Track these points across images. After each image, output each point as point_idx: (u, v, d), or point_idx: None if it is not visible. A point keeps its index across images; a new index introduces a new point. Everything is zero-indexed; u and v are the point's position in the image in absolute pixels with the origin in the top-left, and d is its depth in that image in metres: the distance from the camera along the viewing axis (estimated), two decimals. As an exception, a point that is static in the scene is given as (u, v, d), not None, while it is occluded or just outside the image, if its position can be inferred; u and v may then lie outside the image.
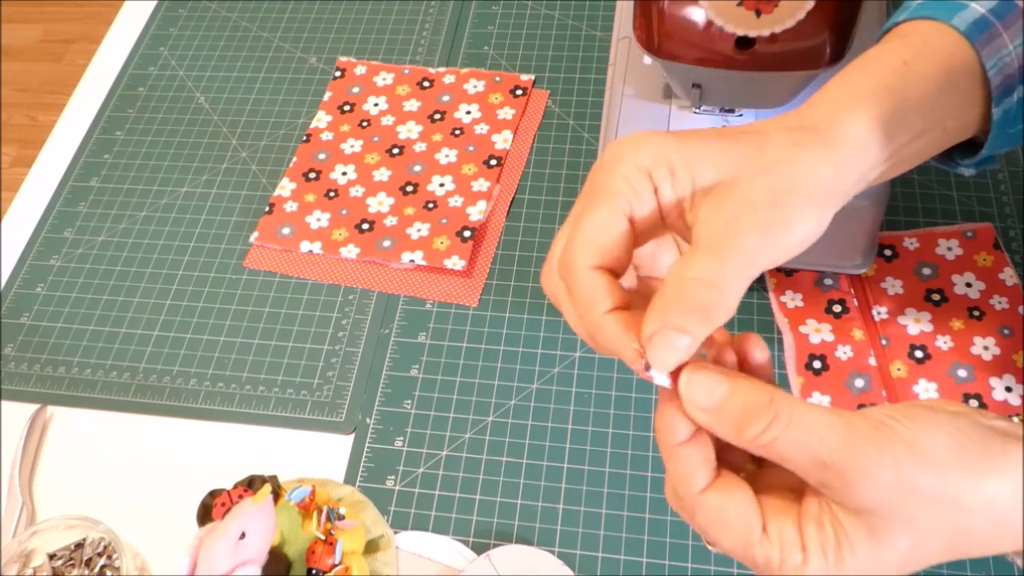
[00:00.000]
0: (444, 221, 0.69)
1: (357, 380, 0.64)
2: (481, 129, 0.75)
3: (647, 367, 0.33)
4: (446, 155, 0.73)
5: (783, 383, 0.60)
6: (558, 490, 0.58)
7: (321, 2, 0.87)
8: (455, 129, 0.75)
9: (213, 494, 0.54)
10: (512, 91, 0.77)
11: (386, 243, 0.69)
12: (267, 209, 0.72)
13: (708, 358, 0.35)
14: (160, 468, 0.62)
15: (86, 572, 0.55)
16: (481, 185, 0.71)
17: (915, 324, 0.60)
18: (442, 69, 0.79)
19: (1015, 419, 0.55)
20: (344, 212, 0.71)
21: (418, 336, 0.65)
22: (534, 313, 0.65)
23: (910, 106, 0.38)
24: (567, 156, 0.73)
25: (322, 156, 0.75)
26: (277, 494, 0.53)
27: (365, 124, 0.77)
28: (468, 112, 0.76)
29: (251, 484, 0.54)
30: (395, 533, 0.57)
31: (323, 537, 0.51)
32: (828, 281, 0.62)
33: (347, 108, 0.78)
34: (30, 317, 0.69)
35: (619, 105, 0.63)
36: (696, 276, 0.32)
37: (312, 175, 0.74)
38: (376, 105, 0.78)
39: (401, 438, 0.61)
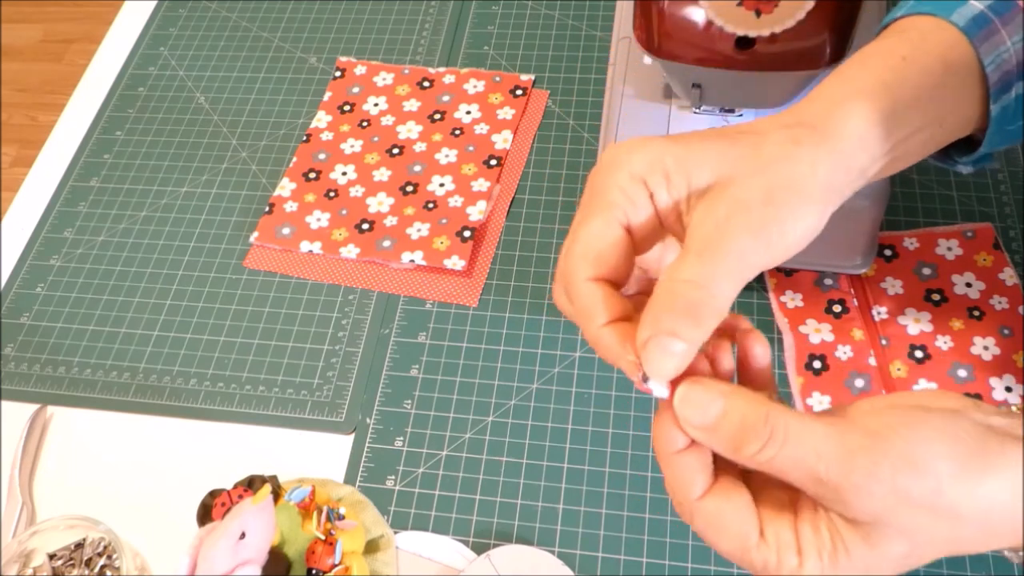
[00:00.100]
0: (444, 221, 0.69)
1: (357, 380, 0.64)
2: (481, 129, 0.75)
3: (644, 378, 0.32)
4: (446, 155, 0.73)
5: (783, 383, 0.60)
6: (558, 490, 0.58)
7: (321, 2, 0.87)
8: (455, 129, 0.75)
9: (213, 494, 0.54)
10: (512, 91, 0.77)
11: (386, 243, 0.69)
12: (267, 209, 0.72)
13: (708, 348, 0.35)
14: (160, 468, 0.62)
15: (86, 572, 0.55)
16: (481, 185, 0.71)
17: (915, 324, 0.60)
18: (442, 69, 0.79)
19: (1014, 408, 0.55)
20: (344, 212, 0.71)
21: (418, 336, 0.65)
22: (534, 313, 0.65)
23: (908, 102, 0.38)
24: (567, 156, 0.73)
25: (322, 156, 0.75)
26: (277, 494, 0.53)
27: (365, 124, 0.77)
28: (468, 112, 0.76)
29: (251, 484, 0.54)
30: (395, 533, 0.57)
31: (323, 537, 0.51)
32: (828, 281, 0.62)
33: (347, 108, 0.78)
34: (30, 317, 0.69)
35: (619, 105, 0.63)
36: (686, 278, 0.32)
37: (312, 175, 0.74)
38: (376, 105, 0.78)
39: (401, 438, 0.61)
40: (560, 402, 0.61)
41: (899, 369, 0.58)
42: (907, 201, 0.67)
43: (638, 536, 0.55)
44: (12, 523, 0.59)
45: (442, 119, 0.76)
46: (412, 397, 0.62)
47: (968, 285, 0.61)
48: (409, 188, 0.72)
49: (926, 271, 0.62)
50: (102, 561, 0.55)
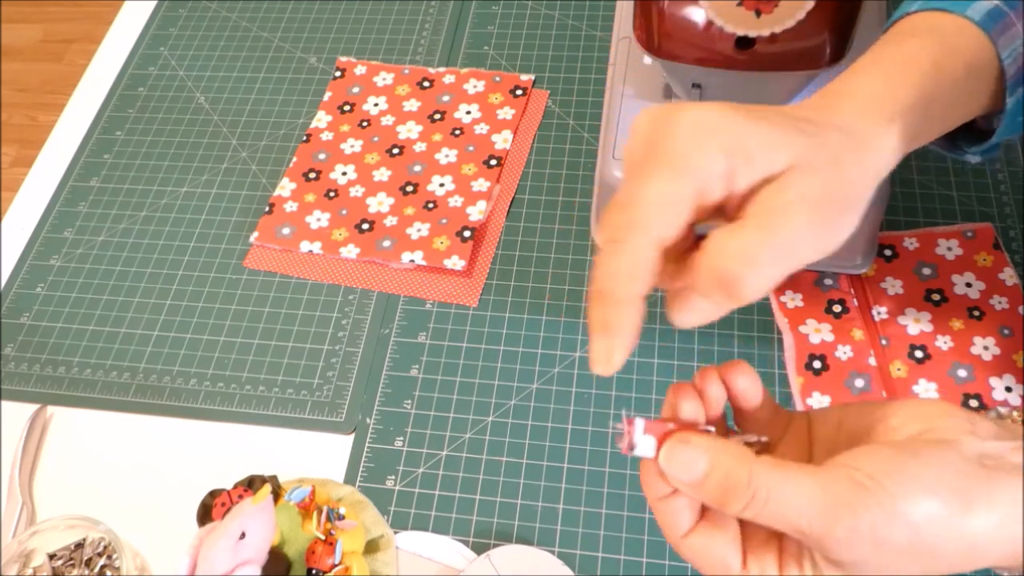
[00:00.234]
0: (444, 221, 0.69)
1: (357, 380, 0.64)
2: (481, 129, 0.75)
3: (631, 447, 0.34)
4: (446, 155, 0.73)
5: (783, 383, 0.60)
6: (558, 490, 0.58)
7: (321, 2, 0.87)
8: (455, 129, 0.75)
9: (213, 494, 0.54)
10: (512, 91, 0.77)
11: (386, 243, 0.69)
12: (267, 209, 0.72)
13: (695, 380, 0.37)
14: (160, 468, 0.62)
15: (86, 572, 0.55)
16: (481, 185, 0.71)
17: (915, 324, 0.60)
18: (442, 69, 0.79)
19: (1015, 414, 0.55)
20: (344, 212, 0.71)
21: (418, 336, 0.65)
22: (534, 313, 0.65)
23: (936, 116, 0.40)
24: (567, 156, 0.73)
25: (322, 156, 0.75)
26: (277, 494, 0.53)
27: (365, 124, 0.77)
28: (468, 112, 0.76)
29: (251, 484, 0.54)
30: (395, 533, 0.57)
31: (323, 537, 0.51)
32: (828, 281, 0.62)
33: (347, 108, 0.78)
34: (30, 317, 0.69)
35: (619, 105, 0.63)
36: (736, 250, 0.32)
37: (312, 175, 0.74)
38: (376, 105, 0.78)
39: (401, 438, 0.61)
40: (560, 402, 0.61)
41: (899, 369, 0.58)
42: (907, 201, 0.67)
43: (638, 536, 0.55)
44: (12, 523, 0.59)
45: (442, 119, 0.76)
46: (412, 397, 0.62)
47: (968, 285, 0.61)
48: (409, 188, 0.72)
49: (926, 271, 0.62)
50: (102, 561, 0.55)
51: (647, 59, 0.63)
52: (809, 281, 0.63)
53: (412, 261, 0.67)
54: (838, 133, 0.35)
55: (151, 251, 0.72)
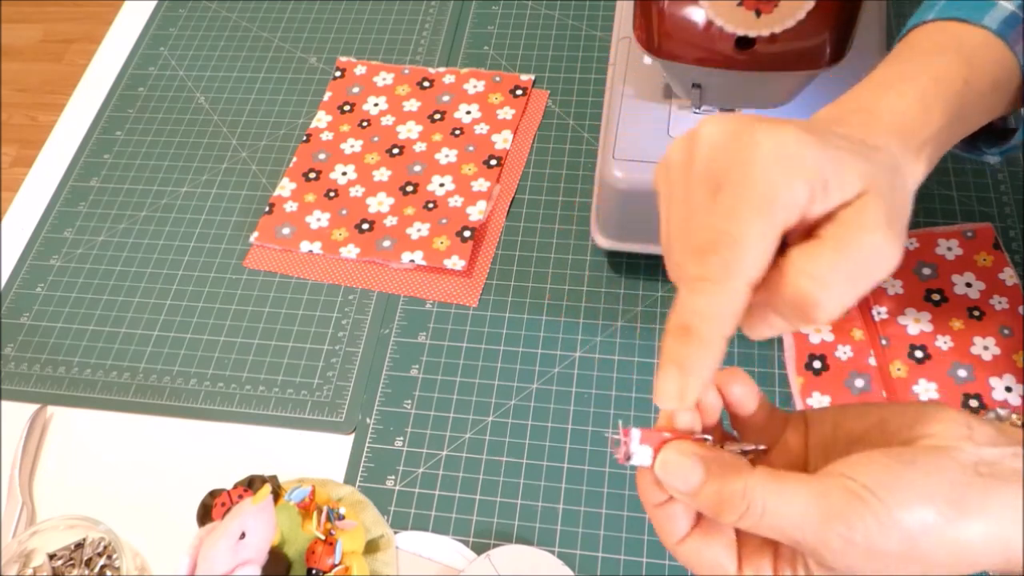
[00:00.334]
0: (444, 221, 0.69)
1: (357, 380, 0.64)
2: (481, 129, 0.75)
3: (627, 456, 0.34)
4: (446, 155, 0.73)
5: (783, 383, 0.60)
6: (558, 490, 0.58)
7: (321, 2, 0.87)
8: (455, 129, 0.75)
9: (213, 494, 0.54)
10: (512, 91, 0.77)
11: (386, 243, 0.69)
12: (267, 209, 0.72)
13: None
14: (160, 468, 0.62)
15: (86, 572, 0.55)
16: (481, 185, 0.71)
17: (915, 324, 0.60)
18: (442, 69, 0.79)
19: (1014, 416, 0.55)
20: (344, 212, 0.71)
21: (418, 336, 0.65)
22: (534, 313, 0.65)
23: (961, 128, 0.41)
24: (567, 156, 0.73)
25: (322, 156, 0.75)
26: (277, 494, 0.53)
27: (365, 124, 0.77)
28: (468, 112, 0.76)
29: (251, 484, 0.54)
30: (395, 533, 0.57)
31: (323, 537, 0.51)
32: (828, 281, 0.62)
33: (347, 108, 0.78)
34: (30, 317, 0.69)
35: (619, 105, 0.63)
36: (815, 271, 0.32)
37: (312, 175, 0.74)
38: (376, 105, 0.78)
39: (401, 438, 0.61)
40: (560, 402, 0.61)
41: (899, 369, 0.58)
42: (907, 201, 0.67)
43: (638, 536, 0.55)
44: (12, 523, 0.59)
45: (442, 119, 0.76)
46: (412, 397, 0.62)
47: (968, 285, 0.61)
48: (409, 188, 0.72)
49: (926, 271, 0.62)
50: (102, 561, 0.55)
51: (647, 59, 0.63)
52: (809, 281, 0.63)
53: (412, 261, 0.67)
54: (889, 159, 0.36)
55: (151, 251, 0.72)
